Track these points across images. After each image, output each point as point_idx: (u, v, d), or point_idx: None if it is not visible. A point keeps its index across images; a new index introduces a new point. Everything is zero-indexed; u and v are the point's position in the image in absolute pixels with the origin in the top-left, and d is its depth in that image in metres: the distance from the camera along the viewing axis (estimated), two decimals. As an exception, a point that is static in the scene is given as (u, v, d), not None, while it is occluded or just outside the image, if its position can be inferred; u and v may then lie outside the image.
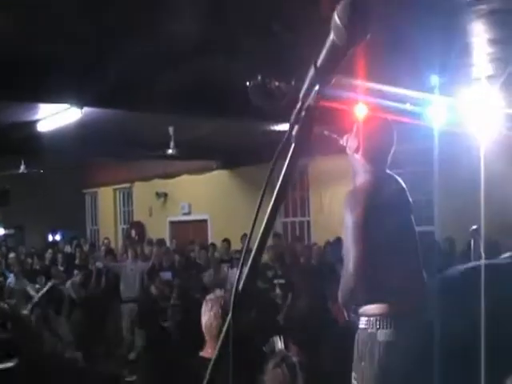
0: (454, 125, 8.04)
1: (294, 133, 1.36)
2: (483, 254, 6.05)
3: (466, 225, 9.18)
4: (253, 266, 1.36)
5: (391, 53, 5.65)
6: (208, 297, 4.09)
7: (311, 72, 1.32)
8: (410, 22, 5.31)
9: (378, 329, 3.25)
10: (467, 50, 6.54)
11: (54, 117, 9.03)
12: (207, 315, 3.87)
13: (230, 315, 1.33)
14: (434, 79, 6.98)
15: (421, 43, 5.70)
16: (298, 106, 1.36)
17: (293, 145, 1.36)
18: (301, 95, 1.37)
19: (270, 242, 13.17)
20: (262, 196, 1.39)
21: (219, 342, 1.35)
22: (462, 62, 6.99)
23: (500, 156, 7.11)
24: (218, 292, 4.18)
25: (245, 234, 13.43)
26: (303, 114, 1.36)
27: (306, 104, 1.36)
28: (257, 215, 1.39)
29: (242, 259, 1.37)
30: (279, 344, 4.84)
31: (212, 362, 1.35)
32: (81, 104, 8.01)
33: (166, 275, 11.46)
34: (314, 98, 1.35)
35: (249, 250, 1.36)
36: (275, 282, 10.25)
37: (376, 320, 3.27)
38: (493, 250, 6.32)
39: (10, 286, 11.73)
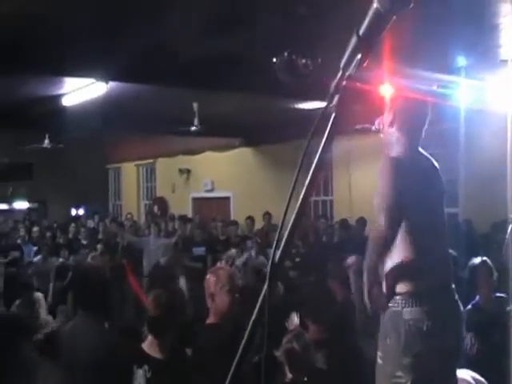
0: (480, 106, 8.00)
1: (334, 103, 1.37)
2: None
3: (489, 208, 9.17)
4: (288, 240, 1.39)
5: (419, 34, 5.62)
6: (215, 267, 4.23)
7: (353, 41, 1.33)
8: (438, 2, 5.27)
9: (403, 307, 3.28)
10: (495, 31, 6.47)
11: (79, 91, 9.11)
12: (212, 285, 4.01)
13: (266, 285, 1.38)
14: (462, 60, 6.93)
15: (448, 24, 5.67)
16: (339, 75, 1.36)
17: (333, 115, 1.37)
18: (342, 64, 1.37)
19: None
20: (298, 172, 1.40)
21: (256, 309, 1.39)
22: (490, 43, 6.92)
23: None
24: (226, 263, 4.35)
25: (267, 212, 13.50)
26: (344, 83, 1.36)
27: (347, 73, 1.36)
28: (293, 191, 1.41)
29: (278, 233, 1.39)
30: (295, 320, 4.91)
31: (250, 326, 1.40)
32: (106, 78, 8.07)
33: (199, 250, 11.55)
34: (355, 67, 1.35)
35: (284, 226, 1.40)
36: (297, 260, 10.31)
37: (402, 298, 3.30)
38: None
39: (33, 260, 11.92)
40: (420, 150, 3.70)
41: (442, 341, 3.22)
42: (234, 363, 1.41)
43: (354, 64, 1.35)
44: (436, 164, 3.69)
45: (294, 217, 1.41)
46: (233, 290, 4.00)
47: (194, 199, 18.10)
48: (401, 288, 3.32)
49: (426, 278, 3.30)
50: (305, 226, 12.10)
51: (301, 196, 1.41)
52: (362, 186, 12.46)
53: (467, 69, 7.24)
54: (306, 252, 10.59)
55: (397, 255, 3.33)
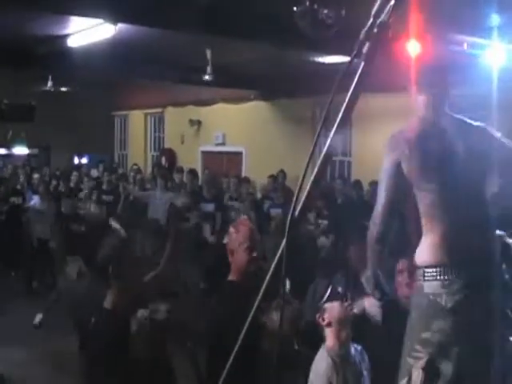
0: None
1: (364, 51, 1.36)
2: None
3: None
4: (309, 195, 1.43)
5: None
6: (238, 221, 4.27)
7: None
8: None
9: (424, 280, 3.30)
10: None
11: (86, 32, 9.03)
12: (232, 241, 4.08)
13: (284, 239, 1.41)
14: (495, 19, 6.76)
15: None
16: (370, 22, 1.35)
17: (362, 64, 1.36)
18: (373, 11, 1.35)
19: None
20: (321, 128, 1.41)
21: (275, 260, 1.43)
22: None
23: None
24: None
25: (281, 171, 13.48)
26: (376, 30, 1.34)
27: (379, 20, 1.34)
28: (314, 147, 1.42)
29: (298, 186, 1.43)
30: (287, 286, 4.93)
31: (269, 276, 1.44)
32: (115, 20, 7.97)
33: (208, 207, 11.57)
34: (388, 13, 1.33)
35: (304, 181, 1.41)
36: (319, 222, 10.33)
37: (423, 272, 3.32)
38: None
39: (34, 207, 12.01)
40: (448, 112, 3.61)
41: (464, 317, 3.23)
42: (249, 318, 1.50)
43: (386, 10, 1.33)
44: (477, 127, 3.60)
45: (315, 171, 1.44)
46: (251, 248, 4.06)
47: (204, 153, 18.07)
48: (422, 260, 3.35)
49: (449, 251, 3.29)
50: (324, 188, 12.13)
51: (324, 149, 1.43)
52: (382, 147, 12.38)
53: (500, 29, 7.09)
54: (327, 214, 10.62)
55: (422, 227, 3.36)
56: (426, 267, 3.31)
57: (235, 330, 1.62)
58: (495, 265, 3.39)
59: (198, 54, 10.54)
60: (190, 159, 17.61)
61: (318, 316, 3.79)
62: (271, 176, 13.20)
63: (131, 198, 12.34)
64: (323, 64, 10.33)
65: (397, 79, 4.10)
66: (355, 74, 1.42)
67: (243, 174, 15.59)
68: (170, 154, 18.89)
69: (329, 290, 3.88)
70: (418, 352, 3.26)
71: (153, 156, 20.53)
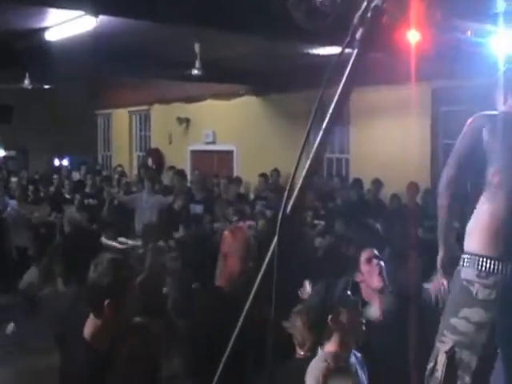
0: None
1: (357, 36, 1.36)
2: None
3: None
4: (301, 192, 1.44)
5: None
6: (235, 226, 4.27)
7: None
8: None
9: (462, 266, 3.42)
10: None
11: (65, 25, 9.00)
12: (227, 245, 4.08)
13: (276, 238, 1.44)
14: (500, 4, 6.77)
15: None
16: (363, 6, 1.35)
17: (355, 51, 1.36)
18: None
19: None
20: (311, 123, 1.41)
21: (265, 262, 1.45)
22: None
23: None
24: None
25: (275, 169, 13.49)
26: (369, 15, 1.35)
27: (373, 4, 1.35)
28: (305, 143, 1.42)
29: (290, 181, 1.46)
30: (307, 289, 4.92)
31: (258, 281, 1.47)
32: (96, 11, 7.93)
33: (198, 208, 11.55)
34: None
35: (295, 178, 1.44)
36: (316, 222, 10.33)
37: (463, 257, 3.44)
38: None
39: (11, 214, 11.95)
40: None
41: (492, 311, 3.32)
42: (236, 331, 1.50)
43: None
44: None
45: (307, 166, 1.45)
46: (247, 257, 4.06)
47: (193, 152, 18.05)
48: (466, 246, 3.46)
49: (495, 242, 3.36)
50: (320, 187, 12.15)
51: (315, 145, 1.43)
52: (383, 143, 12.40)
53: (506, 15, 7.10)
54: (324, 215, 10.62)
55: (477, 212, 3.48)
56: (467, 253, 3.43)
57: (223, 339, 1.62)
58: None
59: (185, 48, 10.53)
60: (179, 159, 17.58)
61: (330, 318, 3.75)
62: (262, 175, 13.18)
63: (116, 203, 12.29)
64: (318, 56, 10.33)
65: (397, 71, 4.09)
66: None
67: (235, 174, 15.59)
68: (157, 155, 18.85)
69: (347, 292, 3.86)
70: (445, 337, 3.43)
71: (138, 156, 20.49)
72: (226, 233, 4.24)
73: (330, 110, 1.40)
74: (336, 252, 7.98)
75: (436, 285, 4.14)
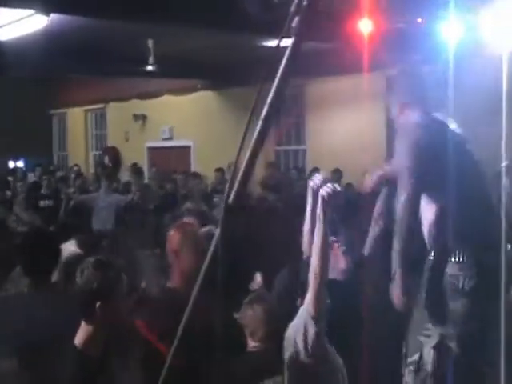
0: (472, 45, 7.97)
1: (293, 25, 1.36)
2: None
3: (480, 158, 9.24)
4: (242, 182, 1.46)
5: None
6: (181, 222, 4.25)
7: None
8: None
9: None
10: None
11: (16, 24, 8.86)
12: (176, 243, 4.02)
13: (219, 229, 1.44)
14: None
15: None
16: None
17: (293, 39, 1.37)
18: None
19: (263, 171, 13.27)
20: (250, 117, 1.42)
21: (209, 254, 1.45)
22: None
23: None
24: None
25: (236, 163, 13.46)
26: (305, 3, 1.35)
27: None
28: (244, 137, 1.43)
29: (231, 172, 1.49)
30: (259, 280, 4.94)
31: (201, 276, 1.47)
32: (47, 10, 7.85)
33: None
34: None
35: (237, 171, 1.42)
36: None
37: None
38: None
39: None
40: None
41: (476, 300, 3.42)
42: (184, 320, 1.52)
43: None
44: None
45: (247, 157, 1.49)
46: (198, 251, 3.96)
47: (151, 149, 17.97)
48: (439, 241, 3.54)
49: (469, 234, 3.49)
50: (277, 178, 12.16)
51: (254, 136, 1.49)
52: (340, 133, 12.48)
53: (457, 2, 7.20)
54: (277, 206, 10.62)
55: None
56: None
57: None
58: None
59: (139, 45, 10.48)
60: (136, 157, 17.47)
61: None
62: (219, 169, 13.14)
63: (72, 203, 12.15)
64: (275, 48, 10.35)
65: (351, 60, 4.14)
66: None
67: (192, 169, 15.55)
68: (114, 153, 18.72)
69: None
70: (429, 330, 3.49)
71: (95, 155, 20.32)
72: (173, 231, 4.11)
73: (269, 100, 1.42)
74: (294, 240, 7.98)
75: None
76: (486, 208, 3.62)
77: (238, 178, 1.47)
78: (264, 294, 4.15)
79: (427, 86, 4.08)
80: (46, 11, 7.86)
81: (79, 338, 3.17)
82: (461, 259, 3.45)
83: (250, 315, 3.93)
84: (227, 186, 1.48)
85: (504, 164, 5.52)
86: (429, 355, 3.47)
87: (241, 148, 1.48)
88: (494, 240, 3.46)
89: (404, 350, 3.65)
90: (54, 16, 8.00)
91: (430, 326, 3.49)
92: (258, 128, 1.43)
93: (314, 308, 3.31)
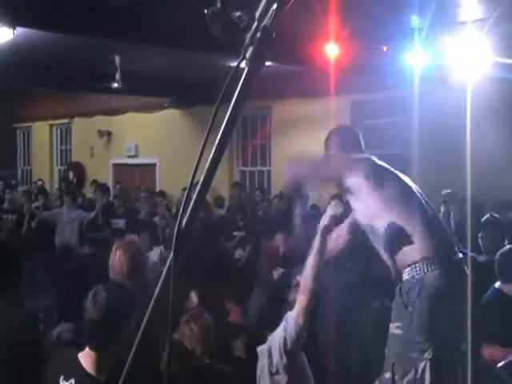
0: (437, 72, 8.05)
1: (247, 55, 1.41)
2: (452, 223, 6.32)
3: (444, 184, 9.30)
4: (196, 203, 1.47)
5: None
6: (124, 241, 4.24)
7: None
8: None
9: (425, 272, 3.56)
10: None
11: (-19, 37, 8.74)
12: (124, 263, 4.00)
13: (171, 254, 1.45)
14: (415, 21, 6.92)
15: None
16: (254, 26, 1.40)
17: (246, 70, 1.41)
18: (257, 14, 1.40)
19: (228, 192, 13.22)
20: (206, 138, 1.49)
21: (160, 282, 1.46)
22: (448, 2, 6.94)
23: (487, 108, 7.12)
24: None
25: (197, 183, 13.40)
26: (258, 34, 1.39)
27: (262, 24, 1.39)
28: (201, 156, 1.50)
29: (185, 196, 1.49)
30: (194, 299, 4.90)
31: (157, 290, 1.48)
32: (13, 23, 7.75)
33: (120, 223, 11.29)
34: (271, 18, 1.38)
35: (193, 189, 1.48)
36: (235, 234, 10.28)
37: (422, 264, 3.57)
38: (477, 211, 6.50)
39: None
40: None
41: (461, 304, 3.41)
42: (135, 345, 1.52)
43: (269, 14, 1.38)
44: None
45: (201, 180, 1.51)
46: (142, 271, 4.01)
47: (116, 165, 17.84)
48: (416, 256, 3.59)
49: (435, 244, 3.62)
50: (241, 198, 12.13)
51: (208, 160, 1.51)
52: (304, 156, 12.48)
53: (422, 31, 7.26)
54: (243, 226, 10.58)
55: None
56: (421, 260, 3.57)
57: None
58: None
59: (106, 61, 10.40)
60: (101, 173, 17.33)
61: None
62: (185, 188, 13.06)
63: (36, 219, 11.95)
64: (240, 69, 10.35)
65: (317, 84, 4.15)
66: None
67: (157, 187, 15.45)
68: (78, 168, 18.56)
69: None
70: (422, 344, 3.51)
71: (60, 170, 20.12)
72: (117, 250, 4.07)
73: (223, 125, 1.47)
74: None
75: None
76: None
77: (192, 200, 1.49)
78: (201, 313, 4.11)
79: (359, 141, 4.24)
80: (12, 24, 7.76)
81: (88, 363, 3.09)
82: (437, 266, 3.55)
83: (187, 334, 3.92)
84: (182, 205, 1.48)
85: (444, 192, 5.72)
86: (425, 369, 3.49)
87: (196, 169, 1.50)
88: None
89: (389, 376, 3.61)
90: (19, 29, 7.90)
91: (421, 339, 3.51)
92: (213, 148, 1.50)
93: (304, 319, 3.42)
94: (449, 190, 7.83)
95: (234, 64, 1.35)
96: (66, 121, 19.29)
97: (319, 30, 6.70)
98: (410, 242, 3.62)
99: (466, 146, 3.48)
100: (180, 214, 1.46)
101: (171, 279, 1.44)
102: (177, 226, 1.45)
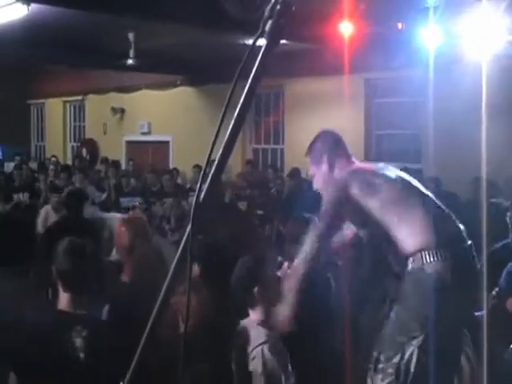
0: (451, 51, 7.98)
1: (266, 28, 1.38)
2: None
3: (458, 164, 9.26)
4: (213, 180, 1.47)
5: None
6: (129, 217, 4.26)
7: None
8: None
9: (424, 262, 3.56)
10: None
11: (-4, 12, 8.75)
12: (128, 238, 4.04)
13: (189, 227, 1.47)
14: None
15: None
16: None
17: (265, 43, 1.39)
18: None
19: (241, 169, 13.25)
20: (224, 114, 1.46)
21: (178, 254, 1.48)
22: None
23: (502, 87, 7.06)
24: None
25: (208, 160, 13.38)
26: (278, 7, 1.37)
27: None
28: (218, 132, 1.48)
29: (202, 172, 1.50)
30: (195, 269, 4.92)
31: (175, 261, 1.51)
32: (27, -1, 7.76)
33: (133, 201, 11.26)
34: None
35: (210, 164, 1.48)
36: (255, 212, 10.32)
37: (422, 255, 3.56)
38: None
39: None
40: None
41: (462, 295, 3.50)
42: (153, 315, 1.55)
43: None
44: None
45: (218, 156, 1.50)
46: (150, 244, 4.02)
47: (129, 143, 17.84)
48: (417, 245, 3.59)
49: (438, 233, 3.59)
50: (256, 176, 12.16)
51: (226, 136, 1.49)
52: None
53: (437, 9, 7.20)
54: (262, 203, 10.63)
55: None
56: (422, 250, 3.57)
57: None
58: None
59: (120, 38, 10.37)
60: (114, 150, 17.36)
61: (256, 289, 3.82)
62: (197, 166, 13.05)
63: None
64: (257, 46, 10.30)
65: (331, 62, 4.11)
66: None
67: (171, 165, 15.46)
68: (92, 145, 18.57)
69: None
70: (414, 331, 3.50)
71: (73, 147, 20.15)
72: (121, 227, 4.13)
73: (241, 101, 1.44)
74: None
75: None
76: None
77: (210, 174, 1.50)
78: (200, 285, 4.12)
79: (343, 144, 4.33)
80: (27, 0, 7.76)
81: None
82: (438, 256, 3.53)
83: (183, 303, 3.92)
84: (199, 182, 1.50)
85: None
86: (413, 355, 3.50)
87: (213, 145, 1.50)
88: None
89: (376, 355, 3.63)
90: (34, 5, 7.89)
91: (415, 324, 3.52)
92: (230, 125, 1.48)
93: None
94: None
95: (248, 42, 1.35)
96: (79, 98, 19.27)
97: (333, 8, 6.66)
98: (412, 234, 3.63)
99: (481, 125, 3.45)
100: (198, 186, 1.48)
101: (189, 255, 1.48)
102: (194, 200, 1.47)
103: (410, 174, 3.95)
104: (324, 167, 4.19)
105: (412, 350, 3.49)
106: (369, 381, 3.67)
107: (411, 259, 3.61)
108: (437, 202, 3.81)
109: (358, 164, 4.21)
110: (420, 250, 3.58)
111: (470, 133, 5.38)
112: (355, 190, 3.80)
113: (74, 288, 3.37)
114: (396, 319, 3.62)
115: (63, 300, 3.41)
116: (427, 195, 3.81)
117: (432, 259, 3.54)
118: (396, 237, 3.67)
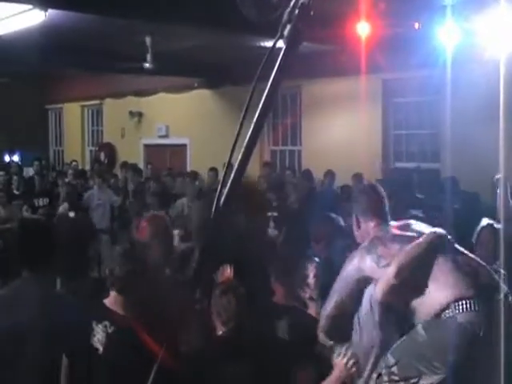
0: (469, 50, 7.96)
1: (285, 33, 1.40)
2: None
3: (475, 164, 9.22)
4: (234, 182, 1.47)
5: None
6: (151, 215, 4.33)
7: None
8: None
9: (458, 312, 3.47)
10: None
11: (13, 18, 8.82)
12: (147, 235, 4.13)
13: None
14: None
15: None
16: (292, 3, 1.40)
17: (284, 47, 1.40)
18: None
19: (259, 171, 13.26)
20: (243, 117, 1.46)
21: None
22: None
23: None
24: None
25: (229, 163, 13.41)
26: (297, 12, 1.39)
27: (301, 1, 1.40)
28: (237, 137, 1.48)
29: (223, 176, 1.51)
30: (228, 272, 4.96)
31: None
32: (45, 5, 7.81)
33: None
34: None
35: (230, 168, 1.48)
36: (269, 214, 10.29)
37: (455, 305, 3.48)
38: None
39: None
40: None
41: (495, 348, 3.36)
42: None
43: None
44: None
45: (240, 157, 1.49)
46: (167, 243, 4.14)
47: (146, 146, 17.91)
48: (450, 295, 3.51)
49: (473, 284, 3.52)
50: (274, 178, 12.16)
51: (246, 139, 1.48)
52: (335, 135, 12.46)
53: (455, 7, 7.19)
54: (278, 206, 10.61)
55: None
56: (455, 300, 3.49)
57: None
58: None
59: (137, 42, 10.43)
60: (132, 154, 17.43)
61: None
62: (212, 169, 13.06)
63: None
64: (276, 48, 10.33)
65: (348, 62, 4.11)
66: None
67: (188, 168, 15.50)
68: (110, 149, 18.66)
69: None
70: (436, 369, 3.40)
71: (91, 151, 20.25)
72: (144, 223, 4.24)
73: (261, 104, 1.44)
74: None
75: None
76: None
77: (231, 178, 1.49)
78: (238, 286, 4.17)
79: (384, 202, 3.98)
80: (44, 6, 7.82)
81: None
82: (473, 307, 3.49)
83: (224, 304, 3.97)
84: (219, 185, 1.50)
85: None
86: None
87: (233, 148, 1.49)
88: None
89: (393, 362, 3.58)
90: (51, 11, 7.96)
91: (437, 364, 3.44)
92: (251, 128, 1.46)
93: None
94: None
95: (265, 44, 1.36)
96: (97, 102, 19.39)
97: (350, 9, 6.67)
98: (444, 288, 3.55)
99: (500, 125, 3.43)
100: (218, 191, 1.49)
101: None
102: (215, 204, 1.48)
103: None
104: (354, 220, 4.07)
105: (431, 381, 3.42)
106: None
107: (442, 310, 3.53)
108: (470, 255, 3.72)
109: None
110: (453, 301, 3.50)
111: (488, 132, 5.36)
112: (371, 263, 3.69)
113: None
114: (423, 344, 3.53)
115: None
116: (457, 249, 3.72)
117: (465, 309, 3.46)
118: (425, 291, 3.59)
